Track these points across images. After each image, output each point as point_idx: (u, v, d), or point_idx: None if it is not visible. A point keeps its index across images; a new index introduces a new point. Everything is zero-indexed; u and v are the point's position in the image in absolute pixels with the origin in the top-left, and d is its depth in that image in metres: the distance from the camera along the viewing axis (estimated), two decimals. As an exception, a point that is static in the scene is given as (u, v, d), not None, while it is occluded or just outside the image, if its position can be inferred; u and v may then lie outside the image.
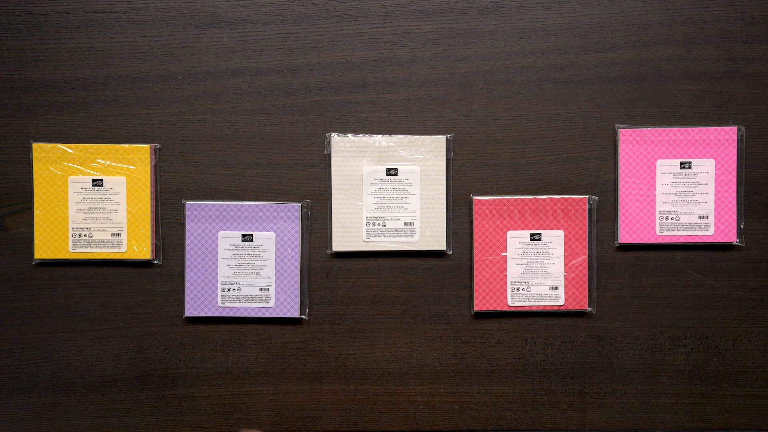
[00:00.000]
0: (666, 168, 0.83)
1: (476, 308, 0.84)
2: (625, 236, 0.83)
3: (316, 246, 0.84)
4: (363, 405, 0.84)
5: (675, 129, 0.83)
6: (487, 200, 0.83)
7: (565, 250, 0.83)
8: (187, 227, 0.83)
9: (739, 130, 0.82)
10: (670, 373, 0.84)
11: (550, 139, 0.83)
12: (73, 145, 0.83)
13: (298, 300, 0.84)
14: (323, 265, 0.84)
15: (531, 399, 0.84)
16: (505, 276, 0.84)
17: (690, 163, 0.83)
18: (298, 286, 0.84)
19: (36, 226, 0.83)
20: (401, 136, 0.83)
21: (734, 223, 0.83)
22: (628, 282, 0.84)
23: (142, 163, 0.83)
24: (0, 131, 0.83)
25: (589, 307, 0.84)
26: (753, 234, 0.83)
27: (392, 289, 0.84)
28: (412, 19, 0.83)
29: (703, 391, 0.84)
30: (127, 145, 0.83)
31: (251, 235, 0.83)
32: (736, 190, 0.83)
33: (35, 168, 0.83)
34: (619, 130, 0.83)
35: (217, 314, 0.84)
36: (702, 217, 0.83)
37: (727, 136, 0.83)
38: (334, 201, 0.83)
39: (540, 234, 0.83)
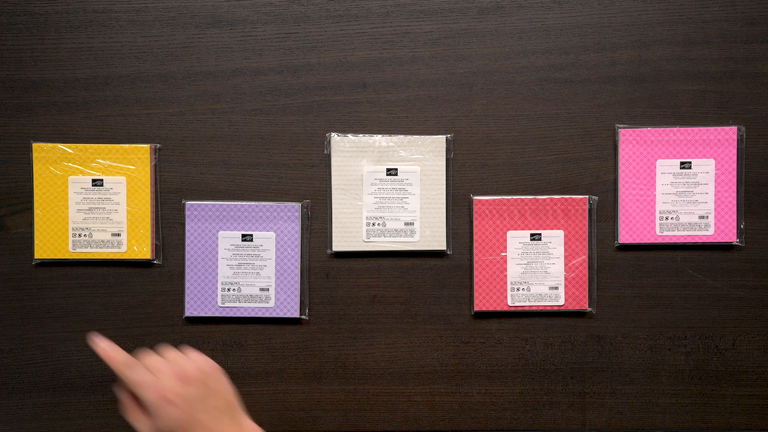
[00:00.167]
0: (666, 168, 0.83)
1: (476, 308, 0.84)
2: (625, 236, 0.83)
3: (316, 246, 0.84)
4: (363, 405, 0.84)
5: (675, 129, 0.83)
6: (487, 200, 0.83)
7: (565, 250, 0.83)
8: (187, 227, 0.83)
9: (739, 130, 0.82)
10: (670, 373, 0.84)
11: (550, 139, 0.83)
12: (73, 145, 0.83)
13: (298, 300, 0.84)
14: (323, 265, 0.84)
15: (531, 399, 0.84)
16: (505, 276, 0.84)
17: (690, 163, 0.83)
18: (298, 286, 0.84)
19: (36, 226, 0.83)
20: (401, 136, 0.83)
21: (734, 223, 0.83)
22: (628, 282, 0.84)
23: (142, 163, 0.83)
24: (0, 131, 0.83)
25: (589, 307, 0.84)
26: (753, 234, 0.83)
27: (392, 289, 0.84)
28: (412, 19, 0.83)
29: (703, 391, 0.84)
30: (127, 145, 0.83)
31: (251, 235, 0.83)
32: (736, 190, 0.83)
33: (35, 168, 0.83)
34: (619, 130, 0.83)
35: (217, 314, 0.84)
36: (702, 217, 0.83)
37: (727, 136, 0.83)
38: (334, 201, 0.83)
39: (540, 234, 0.83)
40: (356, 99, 0.83)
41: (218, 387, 0.68)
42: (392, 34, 0.83)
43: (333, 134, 0.83)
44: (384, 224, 0.83)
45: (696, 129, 0.83)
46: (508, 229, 0.83)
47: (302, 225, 0.84)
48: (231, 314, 0.84)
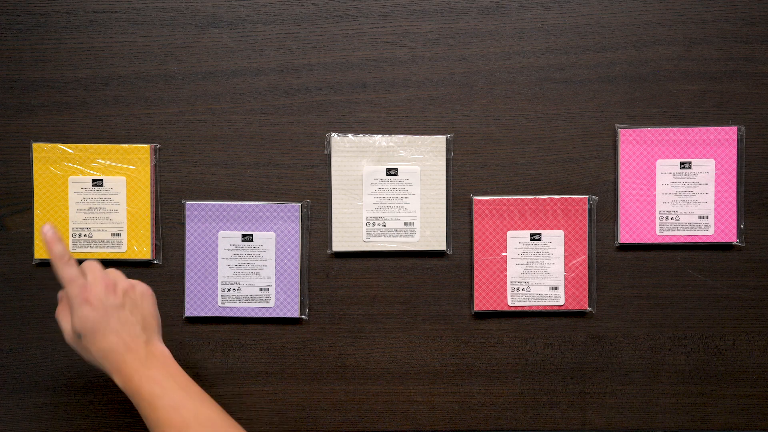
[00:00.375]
0: (666, 168, 0.83)
1: (476, 308, 0.84)
2: (625, 236, 0.83)
3: (316, 246, 0.84)
4: (363, 405, 0.84)
5: (675, 129, 0.83)
6: (487, 200, 0.83)
7: (565, 250, 0.84)
8: (187, 227, 0.83)
9: (739, 130, 0.82)
10: (670, 373, 0.84)
11: (550, 139, 0.83)
12: (73, 145, 0.83)
13: (298, 300, 0.84)
14: (323, 265, 0.84)
15: (531, 399, 0.84)
16: (505, 276, 0.84)
17: (690, 163, 0.83)
18: (298, 286, 0.84)
19: (36, 226, 0.83)
20: (401, 136, 0.83)
21: (734, 223, 0.83)
22: (628, 282, 0.84)
23: (142, 163, 0.83)
24: (0, 131, 0.83)
25: (589, 307, 0.84)
26: (753, 234, 0.84)
27: (392, 289, 0.84)
28: (412, 19, 0.83)
29: (703, 391, 0.84)
30: (127, 145, 0.83)
31: (251, 235, 0.83)
32: (736, 190, 0.83)
33: (35, 168, 0.83)
34: (619, 130, 0.83)
35: (217, 314, 0.84)
36: (702, 217, 0.83)
37: (727, 136, 0.83)
38: (334, 201, 0.83)
39: (540, 234, 0.83)
40: (356, 99, 0.83)
41: (142, 305, 0.70)
42: (392, 34, 0.83)
43: (333, 134, 0.83)
44: (384, 224, 0.83)
45: (696, 129, 0.83)
46: (508, 229, 0.83)
47: (302, 225, 0.84)
48: (231, 314, 0.84)
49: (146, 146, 0.83)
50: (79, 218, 0.83)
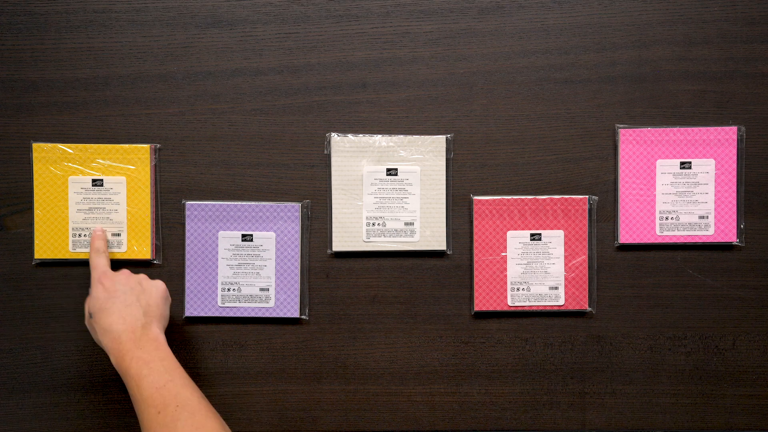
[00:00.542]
0: (666, 168, 0.83)
1: (476, 308, 0.84)
2: (625, 236, 0.83)
3: (316, 246, 0.84)
4: (363, 405, 0.84)
5: (675, 129, 0.83)
6: (487, 200, 0.83)
7: (565, 250, 0.84)
8: (187, 227, 0.83)
9: (739, 130, 0.82)
10: (670, 373, 0.84)
11: (550, 139, 0.83)
12: (73, 145, 0.83)
13: (298, 300, 0.84)
14: (323, 265, 0.84)
15: (531, 399, 0.84)
16: (505, 276, 0.84)
17: (690, 163, 0.83)
18: (298, 286, 0.84)
19: (36, 226, 0.83)
20: (401, 136, 0.83)
21: (734, 223, 0.83)
22: (628, 282, 0.84)
23: (142, 163, 0.83)
24: (0, 131, 0.83)
25: (589, 307, 0.84)
26: (753, 234, 0.84)
27: (392, 289, 0.84)
28: (412, 19, 0.83)
29: (703, 391, 0.84)
30: (127, 145, 0.83)
31: (251, 235, 0.83)
32: (736, 190, 0.83)
33: (35, 168, 0.83)
34: (619, 130, 0.83)
35: (217, 314, 0.84)
36: (702, 217, 0.83)
37: (727, 136, 0.83)
38: (334, 201, 0.83)
39: (540, 234, 0.83)
40: (356, 99, 0.83)
41: (150, 294, 0.76)
42: (392, 34, 0.83)
43: (333, 134, 0.83)
44: (384, 224, 0.83)
45: (696, 129, 0.83)
46: (508, 229, 0.83)
47: (302, 225, 0.84)
48: (231, 314, 0.84)
49: (146, 146, 0.83)
50: (79, 218, 0.83)
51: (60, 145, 0.83)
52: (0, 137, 0.83)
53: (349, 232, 0.83)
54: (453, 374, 0.84)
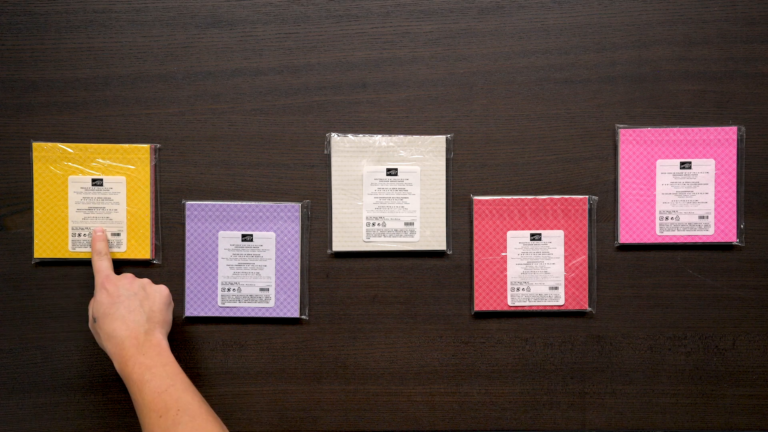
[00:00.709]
0: (666, 168, 0.83)
1: (476, 308, 0.84)
2: (625, 236, 0.83)
3: (316, 246, 0.84)
4: (363, 405, 0.84)
5: (675, 129, 0.83)
6: (487, 200, 0.83)
7: (565, 250, 0.83)
8: (187, 227, 0.83)
9: (739, 130, 0.82)
10: (670, 373, 0.84)
11: (550, 139, 0.83)
12: (73, 145, 0.83)
13: (298, 300, 0.84)
14: (323, 265, 0.84)
15: (531, 399, 0.84)
16: (505, 276, 0.84)
17: (690, 163, 0.83)
18: (298, 286, 0.84)
19: (36, 225, 0.83)
20: (401, 136, 0.83)
21: (734, 223, 0.83)
22: (628, 282, 0.84)
23: (142, 163, 0.83)
24: (0, 131, 0.83)
25: (589, 307, 0.84)
26: (753, 234, 0.84)
27: (392, 289, 0.84)
28: (412, 19, 0.83)
29: (703, 391, 0.84)
30: (127, 145, 0.83)
31: (251, 235, 0.83)
32: (736, 190, 0.83)
33: (35, 168, 0.83)
34: (619, 130, 0.83)
35: (217, 314, 0.84)
36: (702, 217, 0.83)
37: (727, 136, 0.83)
38: (334, 201, 0.83)
39: (540, 234, 0.83)
40: (356, 99, 0.83)
41: (153, 300, 0.76)
42: (392, 34, 0.83)
43: (333, 134, 0.83)
44: (384, 224, 0.83)
45: (696, 129, 0.83)
46: (508, 229, 0.83)
47: (302, 225, 0.84)
48: (231, 314, 0.84)
49: (146, 146, 0.83)
50: (79, 218, 0.83)
51: (60, 145, 0.83)
52: (0, 137, 0.83)
53: (349, 232, 0.83)
54: (453, 374, 0.84)
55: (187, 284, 0.84)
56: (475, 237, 0.84)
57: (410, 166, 0.83)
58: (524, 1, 0.83)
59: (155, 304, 0.76)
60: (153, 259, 0.83)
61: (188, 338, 0.84)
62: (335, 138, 0.83)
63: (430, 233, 0.83)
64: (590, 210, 0.83)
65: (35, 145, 0.83)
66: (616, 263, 0.84)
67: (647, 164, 0.83)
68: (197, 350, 0.84)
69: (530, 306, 0.84)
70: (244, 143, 0.84)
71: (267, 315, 0.84)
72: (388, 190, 0.83)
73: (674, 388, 0.84)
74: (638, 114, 0.83)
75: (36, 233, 0.83)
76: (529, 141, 0.83)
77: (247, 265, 0.83)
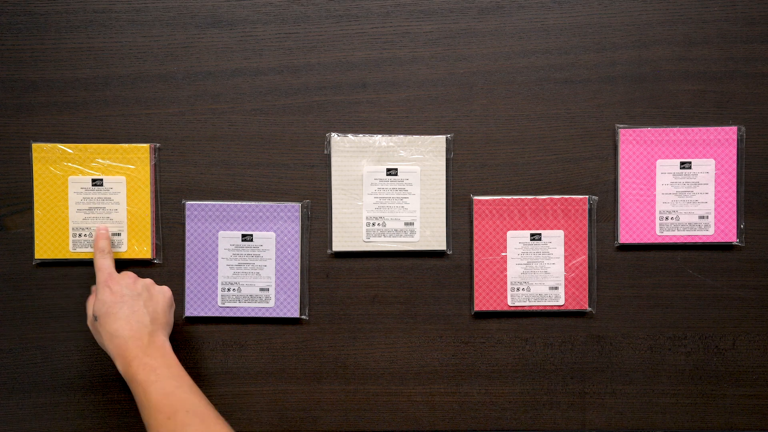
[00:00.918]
0: (666, 168, 0.83)
1: (476, 308, 0.84)
2: (625, 236, 0.83)
3: (316, 246, 0.84)
4: (363, 405, 0.84)
5: (675, 129, 0.83)
6: (487, 200, 0.83)
7: (565, 250, 0.83)
8: (187, 227, 0.83)
9: (739, 130, 0.82)
10: (670, 373, 0.84)
11: (550, 139, 0.83)
12: (73, 145, 0.83)
13: (298, 300, 0.84)
14: (323, 265, 0.84)
15: (531, 399, 0.84)
16: (505, 276, 0.84)
17: (690, 163, 0.83)
18: (298, 286, 0.84)
19: (36, 226, 0.83)
20: (401, 136, 0.83)
21: (734, 223, 0.83)
22: (628, 282, 0.84)
23: (142, 162, 0.83)
24: (0, 131, 0.83)
25: (589, 307, 0.84)
26: (753, 234, 0.84)
27: (392, 289, 0.84)
28: (412, 19, 0.83)
29: (703, 391, 0.84)
30: (127, 145, 0.83)
31: (251, 235, 0.83)
32: (736, 190, 0.83)
33: (35, 168, 0.83)
34: (619, 130, 0.83)
35: (217, 314, 0.84)
36: (702, 217, 0.83)
37: (727, 136, 0.83)
38: (334, 201, 0.83)
39: (540, 234, 0.83)
40: (356, 99, 0.83)
41: (157, 301, 0.76)
42: (392, 34, 0.83)
43: (333, 134, 0.83)
44: (384, 224, 0.83)
45: (696, 129, 0.83)
46: (508, 229, 0.83)
47: (302, 225, 0.84)
48: (231, 314, 0.84)
49: (146, 146, 0.83)
50: (79, 218, 0.83)
51: (60, 145, 0.83)
52: (0, 137, 0.83)
53: (349, 232, 0.83)
54: (453, 374, 0.84)
55: (187, 284, 0.84)
56: (475, 237, 0.84)
57: (410, 166, 0.83)
58: (524, 1, 0.83)
59: (159, 306, 0.76)
60: (154, 259, 0.83)
61: (188, 338, 0.84)
62: (335, 138, 0.83)
63: (430, 233, 0.83)
64: (590, 210, 0.83)
65: (35, 146, 0.83)
66: (616, 263, 0.84)
67: (647, 164, 0.83)
68: (197, 350, 0.84)
69: (530, 306, 0.84)
70: (244, 143, 0.84)
71: (267, 315, 0.84)
72: (388, 190, 0.83)
73: (674, 388, 0.84)
74: (638, 114, 0.83)
75: (36, 234, 0.83)
76: (529, 141, 0.83)
77: (247, 265, 0.83)
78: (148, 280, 0.78)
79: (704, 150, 0.83)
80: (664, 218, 0.83)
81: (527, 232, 0.83)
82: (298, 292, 0.84)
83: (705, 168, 0.83)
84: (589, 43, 0.83)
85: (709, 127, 0.83)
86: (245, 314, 0.84)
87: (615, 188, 0.84)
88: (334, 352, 0.84)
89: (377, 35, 0.83)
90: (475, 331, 0.84)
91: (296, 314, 0.84)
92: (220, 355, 0.84)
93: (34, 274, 0.84)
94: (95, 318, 0.74)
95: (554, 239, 0.83)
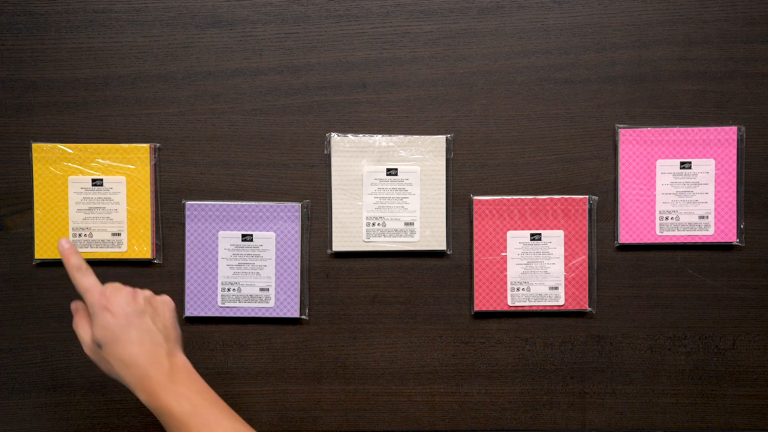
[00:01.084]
0: (666, 168, 0.83)
1: (476, 308, 0.84)
2: (625, 236, 0.83)
3: (316, 246, 0.84)
4: (363, 405, 0.84)
5: (675, 129, 0.83)
6: (487, 200, 0.83)
7: (565, 250, 0.83)
8: (187, 227, 0.83)
9: (739, 130, 0.82)
10: (670, 373, 0.84)
11: (550, 139, 0.83)
12: (73, 145, 0.83)
13: (298, 300, 0.84)
14: (323, 265, 0.84)
15: (531, 399, 0.84)
16: (505, 276, 0.84)
17: (690, 163, 0.83)
18: (298, 286, 0.84)
19: (36, 226, 0.83)
20: (401, 136, 0.83)
21: (734, 223, 0.83)
22: (628, 282, 0.84)
23: (142, 162, 0.83)
24: (0, 131, 0.83)
25: (589, 307, 0.84)
26: (753, 234, 0.83)
27: (392, 289, 0.84)
28: (412, 19, 0.83)
29: (703, 391, 0.84)
30: (126, 145, 0.83)
31: (251, 235, 0.83)
32: (736, 190, 0.83)
33: (35, 168, 0.83)
34: (619, 130, 0.83)
35: (217, 314, 0.84)
36: (702, 217, 0.83)
37: (727, 136, 0.83)
38: (334, 201, 0.83)
39: (540, 234, 0.83)
40: (356, 99, 0.83)
41: (163, 314, 0.68)
42: (392, 34, 0.83)
43: (333, 134, 0.83)
44: (384, 224, 0.83)
45: (696, 129, 0.83)
46: (508, 229, 0.83)
47: (302, 225, 0.84)
48: (231, 314, 0.84)
49: (146, 146, 0.83)
50: (79, 218, 0.83)
51: (60, 145, 0.83)
52: (0, 137, 0.83)
53: (349, 232, 0.83)
54: (453, 374, 0.84)
55: (187, 284, 0.84)
56: (475, 237, 0.84)
57: (410, 166, 0.83)
58: (524, 1, 0.83)
59: (167, 319, 0.68)
60: (154, 259, 0.83)
61: (188, 338, 0.84)
62: (335, 138, 0.83)
63: (430, 233, 0.83)
64: (590, 210, 0.83)
65: (35, 146, 0.83)
66: (616, 263, 0.84)
67: (647, 164, 0.83)
68: (197, 350, 0.84)
69: (530, 306, 0.84)
70: (244, 143, 0.84)
71: (267, 315, 0.84)
72: (388, 190, 0.83)
73: (674, 388, 0.84)
74: (638, 114, 0.83)
75: (36, 234, 0.83)
76: (529, 141, 0.83)
77: (247, 265, 0.83)
78: (147, 292, 0.69)
79: (704, 150, 0.83)
80: (664, 218, 0.83)
81: (527, 232, 0.83)
82: (298, 292, 0.84)
83: (705, 168, 0.83)
84: (589, 43, 0.83)
85: (709, 127, 0.83)
86: (245, 314, 0.84)
87: (615, 188, 0.84)
88: (334, 352, 0.84)
89: (377, 35, 0.83)
90: (475, 331, 0.84)
91: (296, 314, 0.84)
92: (220, 355, 0.84)
93: (34, 274, 0.84)
94: (99, 346, 0.65)
95: (554, 239, 0.83)
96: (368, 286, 0.84)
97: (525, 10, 0.83)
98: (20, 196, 0.83)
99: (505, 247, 0.83)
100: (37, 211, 0.83)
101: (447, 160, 0.83)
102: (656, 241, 0.83)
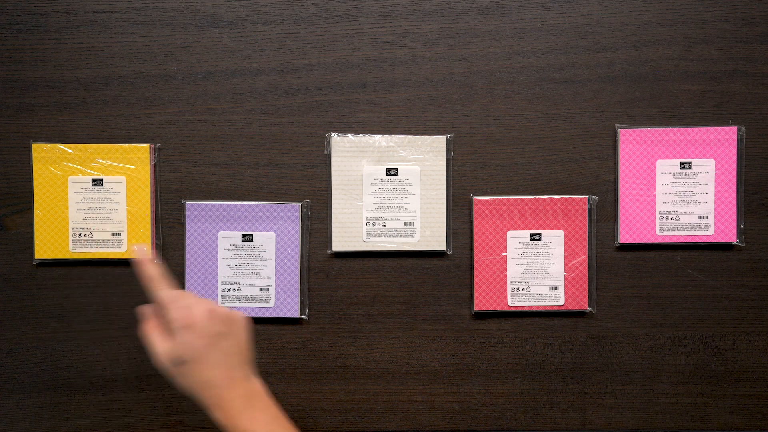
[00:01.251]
0: (666, 168, 0.83)
1: (476, 308, 0.84)
2: (625, 236, 0.83)
3: (316, 246, 0.84)
4: (363, 405, 0.84)
5: (675, 129, 0.83)
6: (487, 200, 0.83)
7: (565, 250, 0.83)
8: (187, 227, 0.83)
9: (739, 130, 0.82)
10: (670, 373, 0.84)
11: (550, 139, 0.83)
12: (72, 145, 0.83)
13: (298, 300, 0.84)
14: (323, 265, 0.84)
15: (531, 399, 0.84)
16: (505, 276, 0.84)
17: (690, 163, 0.83)
18: (298, 286, 0.84)
19: (36, 226, 0.83)
20: (401, 136, 0.83)
21: (734, 223, 0.83)
22: (628, 282, 0.84)
23: (142, 162, 0.83)
24: (0, 131, 0.83)
25: (589, 307, 0.84)
26: (753, 234, 0.83)
27: (392, 289, 0.84)
28: (412, 19, 0.83)
29: (703, 391, 0.84)
30: (126, 145, 0.83)
31: (251, 235, 0.83)
32: (736, 190, 0.83)
33: (35, 168, 0.83)
34: (619, 130, 0.83)
35: (217, 314, 0.84)
36: (702, 217, 0.83)
37: (727, 136, 0.83)
38: (334, 201, 0.83)
39: (540, 234, 0.83)
40: (356, 99, 0.83)
41: (240, 336, 0.66)
42: (392, 34, 0.83)
43: (333, 134, 0.83)
44: (384, 224, 0.83)
45: (696, 129, 0.83)
46: (508, 229, 0.83)
47: (302, 225, 0.84)
48: (231, 314, 0.84)
49: (146, 146, 0.83)
50: (79, 218, 0.83)
51: (60, 145, 0.83)
52: (0, 137, 0.83)
53: (349, 232, 0.83)
54: (453, 374, 0.84)
55: (187, 284, 0.84)
56: (475, 237, 0.84)
57: (410, 166, 0.83)
58: (524, 1, 0.83)
59: (242, 342, 0.66)
60: (153, 259, 0.83)
61: (188, 338, 0.84)
62: (335, 138, 0.83)
63: (430, 233, 0.83)
64: (590, 210, 0.83)
65: (35, 146, 0.83)
66: (616, 263, 0.84)
67: (647, 164, 0.83)
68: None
69: (530, 306, 0.84)
70: (244, 143, 0.84)
71: (267, 315, 0.84)
72: (388, 190, 0.83)
73: (674, 388, 0.84)
74: (638, 114, 0.83)
75: (36, 234, 0.83)
76: (529, 141, 0.83)
77: (247, 265, 0.83)
78: (224, 309, 0.66)
79: (704, 150, 0.83)
80: (664, 218, 0.83)
81: (527, 232, 0.83)
82: (298, 292, 0.84)
83: (705, 168, 0.83)
84: (589, 43, 0.83)
85: (709, 127, 0.83)
86: (245, 314, 0.83)
87: (615, 188, 0.84)
88: (334, 352, 0.84)
89: (377, 35, 0.83)
90: (475, 331, 0.84)
91: (296, 314, 0.84)
92: (220, 355, 0.84)
93: (34, 274, 0.84)
94: (177, 363, 0.64)
95: (554, 239, 0.83)
96: (368, 286, 0.84)
97: (525, 10, 0.83)
98: (20, 196, 0.83)
99: (505, 247, 0.83)
100: (37, 211, 0.83)
101: (447, 160, 0.83)
102: (656, 241, 0.83)
